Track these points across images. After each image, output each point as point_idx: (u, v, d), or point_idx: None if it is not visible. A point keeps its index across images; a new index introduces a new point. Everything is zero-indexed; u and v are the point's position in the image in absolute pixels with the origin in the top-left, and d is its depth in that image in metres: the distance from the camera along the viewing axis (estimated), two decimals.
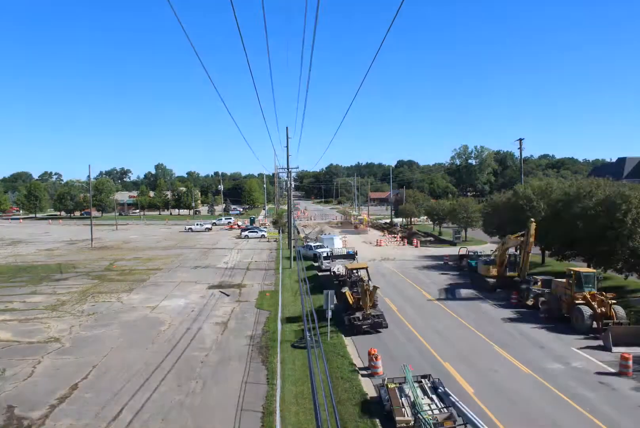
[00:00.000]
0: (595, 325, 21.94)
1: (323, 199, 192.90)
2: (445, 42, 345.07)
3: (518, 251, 30.64)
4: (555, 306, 24.27)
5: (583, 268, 25.04)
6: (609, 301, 22.10)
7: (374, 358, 17.80)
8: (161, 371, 18.49)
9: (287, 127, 47.02)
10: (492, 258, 32.90)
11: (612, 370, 17.63)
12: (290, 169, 47.81)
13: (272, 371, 17.73)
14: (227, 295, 31.38)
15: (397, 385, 14.92)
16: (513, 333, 22.77)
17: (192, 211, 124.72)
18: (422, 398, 13.90)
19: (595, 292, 22.99)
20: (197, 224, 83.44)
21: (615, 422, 13.91)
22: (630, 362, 17.27)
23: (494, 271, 31.56)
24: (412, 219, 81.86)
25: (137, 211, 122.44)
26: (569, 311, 23.33)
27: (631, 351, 18.22)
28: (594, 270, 24.56)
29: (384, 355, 18.54)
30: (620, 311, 21.88)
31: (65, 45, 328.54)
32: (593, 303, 22.41)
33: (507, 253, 31.46)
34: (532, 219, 29.08)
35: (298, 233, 68.02)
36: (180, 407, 15.43)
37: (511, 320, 24.93)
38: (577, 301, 22.92)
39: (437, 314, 26.35)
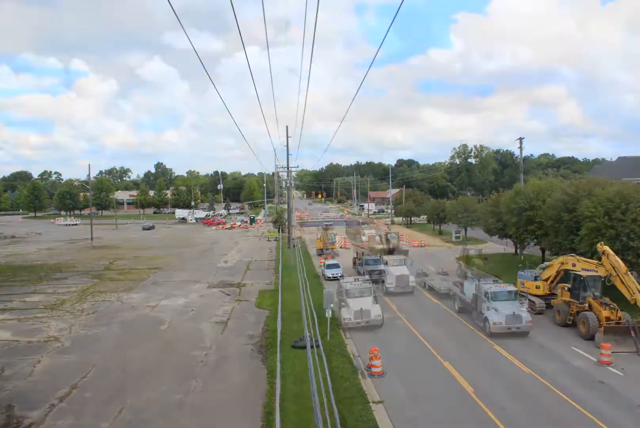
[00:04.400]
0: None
1: (323, 199, 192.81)
2: (445, 39, 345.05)
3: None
4: (564, 314, 22.73)
5: (585, 272, 22.56)
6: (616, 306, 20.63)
7: (374, 357, 17.79)
8: (161, 370, 18.50)
9: (287, 126, 47.27)
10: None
11: (613, 370, 17.64)
12: (290, 169, 47.85)
13: (272, 371, 17.70)
14: (227, 294, 31.37)
15: None
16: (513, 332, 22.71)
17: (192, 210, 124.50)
18: None
19: (600, 299, 21.16)
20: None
21: (615, 422, 13.89)
22: (610, 352, 18.01)
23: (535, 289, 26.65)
24: (412, 219, 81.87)
25: (141, 211, 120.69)
26: (574, 318, 22.06)
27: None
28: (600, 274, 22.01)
29: (383, 355, 18.52)
30: (626, 317, 20.44)
31: (66, 44, 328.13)
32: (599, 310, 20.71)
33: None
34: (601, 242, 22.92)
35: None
36: (181, 406, 15.43)
37: None
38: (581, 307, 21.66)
39: (437, 314, 26.34)
